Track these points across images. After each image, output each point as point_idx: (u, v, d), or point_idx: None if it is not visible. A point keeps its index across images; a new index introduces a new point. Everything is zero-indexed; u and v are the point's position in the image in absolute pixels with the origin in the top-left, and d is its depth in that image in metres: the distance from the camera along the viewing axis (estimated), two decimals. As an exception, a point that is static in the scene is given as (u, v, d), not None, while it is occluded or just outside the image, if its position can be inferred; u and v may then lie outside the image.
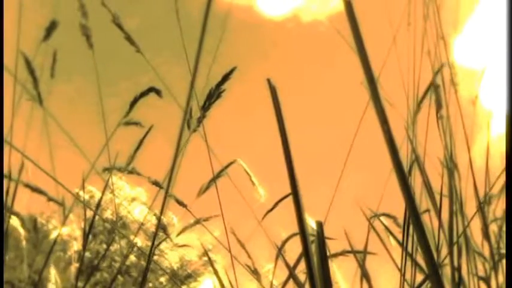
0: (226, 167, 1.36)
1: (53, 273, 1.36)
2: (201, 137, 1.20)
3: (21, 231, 1.25)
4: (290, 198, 0.44)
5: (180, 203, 1.39)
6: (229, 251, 1.26)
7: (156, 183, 1.36)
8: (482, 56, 1.24)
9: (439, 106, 1.11)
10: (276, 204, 1.48)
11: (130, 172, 1.40)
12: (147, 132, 1.32)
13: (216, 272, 1.22)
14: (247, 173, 1.48)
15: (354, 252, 1.17)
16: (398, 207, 1.22)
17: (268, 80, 0.42)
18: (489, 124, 1.18)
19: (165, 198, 0.96)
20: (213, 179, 1.33)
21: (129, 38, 1.19)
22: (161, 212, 0.99)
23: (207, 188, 1.36)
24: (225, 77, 1.17)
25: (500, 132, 1.18)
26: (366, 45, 0.41)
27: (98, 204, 1.37)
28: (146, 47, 1.20)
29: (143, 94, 1.23)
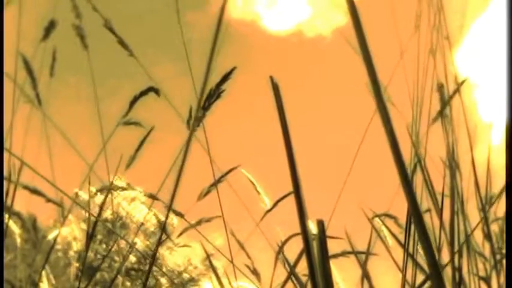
0: (228, 172, 1.35)
1: (44, 274, 1.35)
2: (202, 138, 1.20)
3: (16, 229, 1.25)
4: (292, 200, 0.44)
5: (178, 213, 1.38)
6: (231, 261, 1.26)
7: (152, 196, 1.36)
8: (482, 67, 1.24)
9: (442, 105, 1.11)
10: (276, 203, 1.47)
11: (125, 189, 1.40)
12: (147, 134, 1.31)
13: (218, 278, 1.22)
14: (252, 182, 1.47)
15: (354, 253, 1.17)
16: (400, 207, 1.22)
17: (271, 78, 0.41)
18: (491, 126, 1.18)
19: (167, 213, 0.95)
20: (214, 184, 1.33)
21: (121, 42, 1.19)
22: (164, 228, 0.99)
23: (207, 192, 1.35)
24: (225, 77, 1.16)
25: (502, 134, 1.18)
26: (369, 44, 0.41)
27: (101, 209, 1.36)
28: (141, 52, 1.20)
29: (143, 93, 1.22)
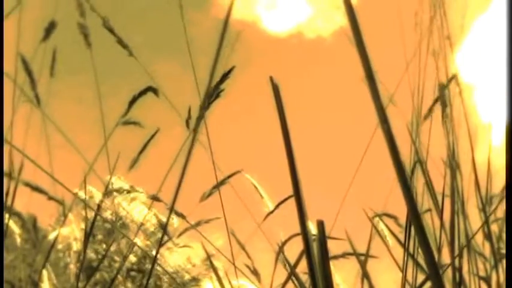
0: (231, 176, 1.35)
1: (45, 274, 1.36)
2: (203, 139, 1.20)
3: (16, 229, 1.25)
4: (293, 201, 0.43)
5: (179, 214, 1.38)
6: (233, 262, 1.26)
7: (154, 198, 1.36)
8: (482, 67, 1.24)
9: (444, 105, 1.11)
10: (277, 205, 1.47)
11: (129, 192, 1.40)
12: (152, 136, 1.31)
13: (218, 278, 1.22)
14: (255, 187, 1.47)
15: (355, 254, 1.17)
16: (400, 206, 1.22)
17: (271, 78, 0.41)
18: (491, 126, 1.18)
19: (169, 214, 0.95)
20: (216, 186, 1.33)
21: (120, 42, 1.18)
22: (165, 229, 0.99)
23: (210, 194, 1.35)
24: (224, 77, 1.16)
25: (502, 134, 1.18)
26: (364, 39, 0.40)
27: (99, 206, 1.36)
28: (142, 52, 1.20)
29: (141, 93, 1.22)
